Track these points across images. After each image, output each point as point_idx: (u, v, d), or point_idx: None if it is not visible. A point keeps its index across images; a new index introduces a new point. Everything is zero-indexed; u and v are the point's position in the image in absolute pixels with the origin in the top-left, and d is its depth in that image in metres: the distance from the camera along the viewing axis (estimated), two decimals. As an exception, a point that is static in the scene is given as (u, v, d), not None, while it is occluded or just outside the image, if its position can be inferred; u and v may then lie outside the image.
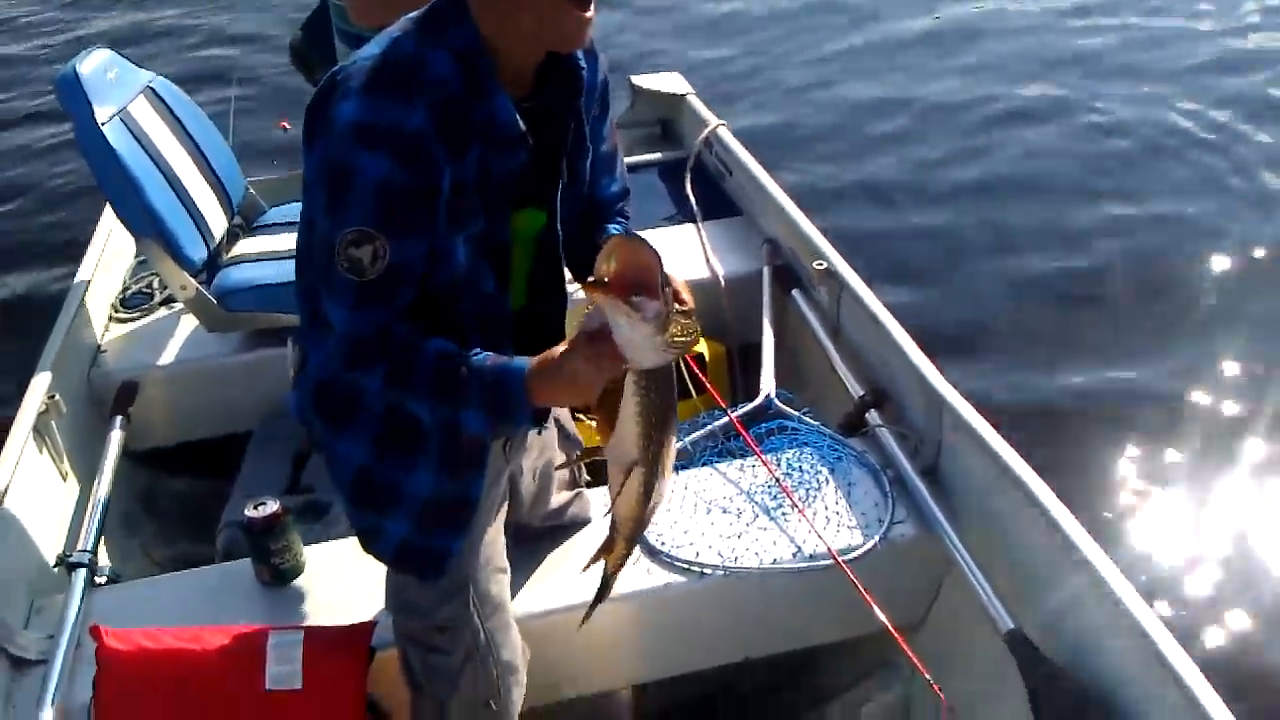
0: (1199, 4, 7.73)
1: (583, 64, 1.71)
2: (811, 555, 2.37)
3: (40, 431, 2.69)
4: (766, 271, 3.37)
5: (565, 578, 2.35)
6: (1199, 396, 3.89)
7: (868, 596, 2.26)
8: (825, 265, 3.08)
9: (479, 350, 1.60)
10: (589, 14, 1.56)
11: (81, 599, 2.35)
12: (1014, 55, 6.95)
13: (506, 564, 2.06)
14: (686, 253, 3.51)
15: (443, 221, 1.57)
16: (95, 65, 3.00)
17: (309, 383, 1.84)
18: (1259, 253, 4.69)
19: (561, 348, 1.53)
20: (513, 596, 2.11)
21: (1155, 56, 6.84)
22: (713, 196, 3.81)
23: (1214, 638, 3.02)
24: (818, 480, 2.57)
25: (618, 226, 1.91)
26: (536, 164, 1.67)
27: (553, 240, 1.80)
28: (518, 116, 1.59)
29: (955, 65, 6.84)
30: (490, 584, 1.99)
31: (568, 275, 1.89)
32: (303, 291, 1.77)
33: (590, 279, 1.41)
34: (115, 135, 2.94)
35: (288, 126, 4.77)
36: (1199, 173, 5.38)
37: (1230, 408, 3.85)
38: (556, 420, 2.20)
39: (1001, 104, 6.24)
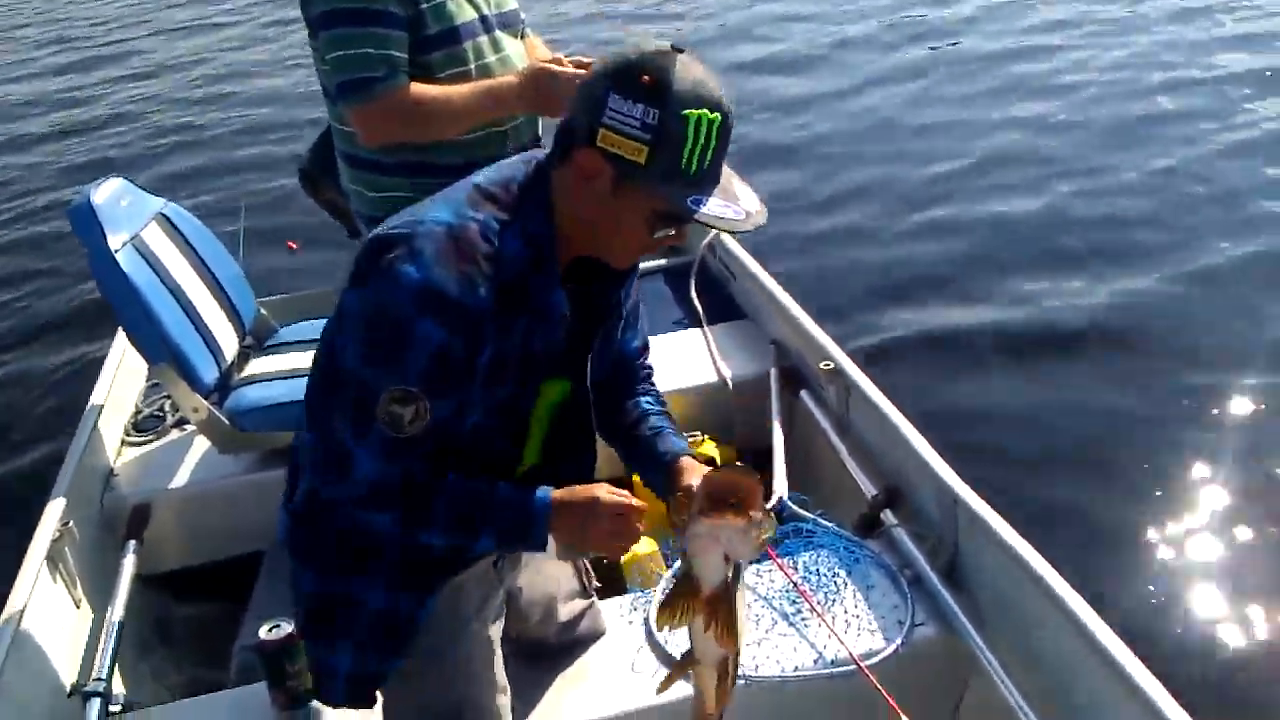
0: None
1: None
2: (833, 661, 2.34)
3: (54, 559, 2.68)
4: (774, 373, 3.39)
5: (580, 696, 2.31)
6: (1220, 486, 3.87)
7: (892, 701, 2.23)
8: (832, 365, 3.10)
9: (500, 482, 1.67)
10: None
11: None
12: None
13: (505, 683, 2.02)
14: (694, 357, 3.54)
15: (478, 385, 1.62)
16: (108, 194, 3.06)
17: (303, 503, 1.84)
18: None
19: (593, 495, 1.67)
20: (527, 715, 2.08)
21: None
22: (718, 301, 3.85)
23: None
24: (835, 583, 2.55)
25: (650, 400, 1.96)
26: (570, 337, 1.72)
27: (576, 405, 1.84)
28: (566, 301, 1.66)
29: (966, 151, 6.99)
30: (485, 699, 1.97)
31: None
32: (315, 414, 1.77)
33: (717, 508, 1.48)
34: (128, 262, 2.98)
35: (294, 247, 4.86)
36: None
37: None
38: None
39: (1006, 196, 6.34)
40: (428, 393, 1.55)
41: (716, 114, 1.50)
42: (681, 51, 1.51)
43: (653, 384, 2.01)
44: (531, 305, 1.61)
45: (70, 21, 13.22)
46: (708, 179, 1.55)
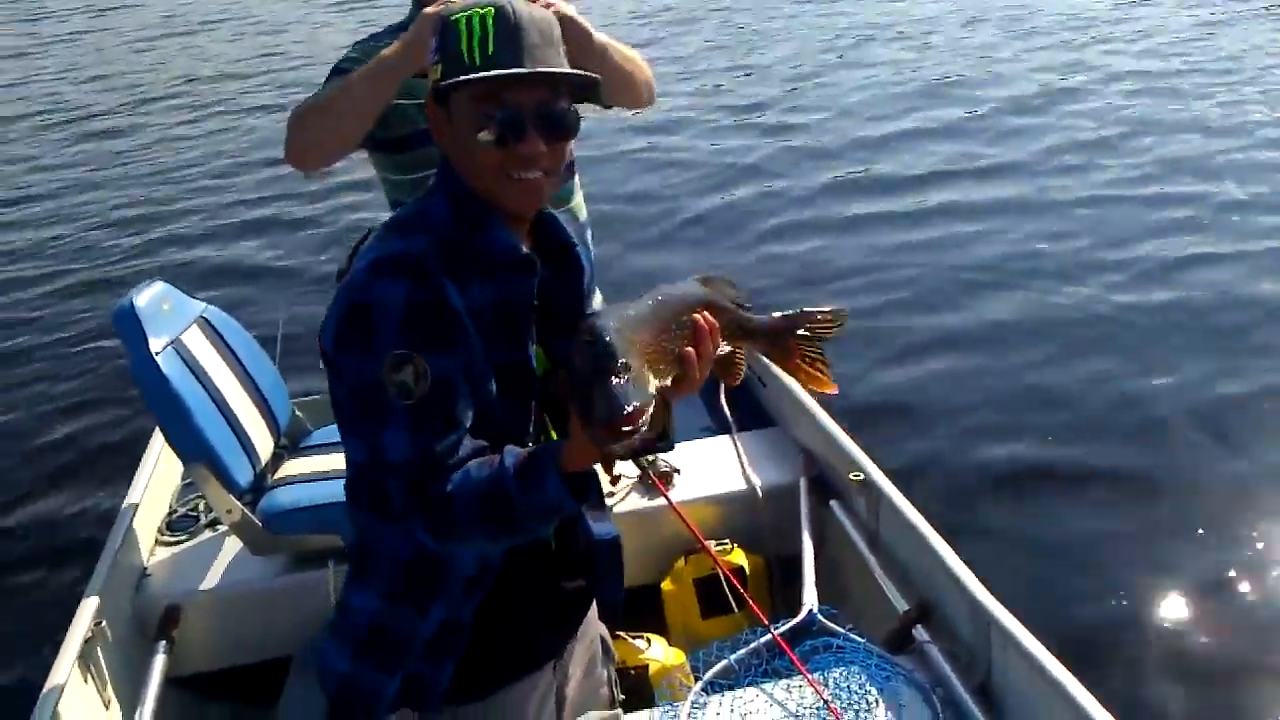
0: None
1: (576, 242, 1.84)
2: (864, 782, 2.31)
3: (85, 659, 2.69)
4: (803, 482, 3.38)
5: None
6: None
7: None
8: (862, 476, 3.09)
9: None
10: (531, 176, 1.65)
11: None
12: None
13: None
14: (723, 464, 3.54)
15: (476, 347, 1.62)
16: (150, 297, 3.12)
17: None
18: None
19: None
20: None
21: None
22: (748, 407, 3.85)
23: None
24: (867, 701, 2.52)
25: None
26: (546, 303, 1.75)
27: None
28: (520, 243, 1.70)
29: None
30: None
31: None
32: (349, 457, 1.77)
33: None
34: (168, 364, 3.02)
35: None
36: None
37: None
38: (601, 638, 2.19)
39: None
40: (419, 349, 1.54)
41: (489, 8, 1.61)
42: None
43: None
44: (481, 256, 1.65)
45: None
46: (496, 64, 1.60)
